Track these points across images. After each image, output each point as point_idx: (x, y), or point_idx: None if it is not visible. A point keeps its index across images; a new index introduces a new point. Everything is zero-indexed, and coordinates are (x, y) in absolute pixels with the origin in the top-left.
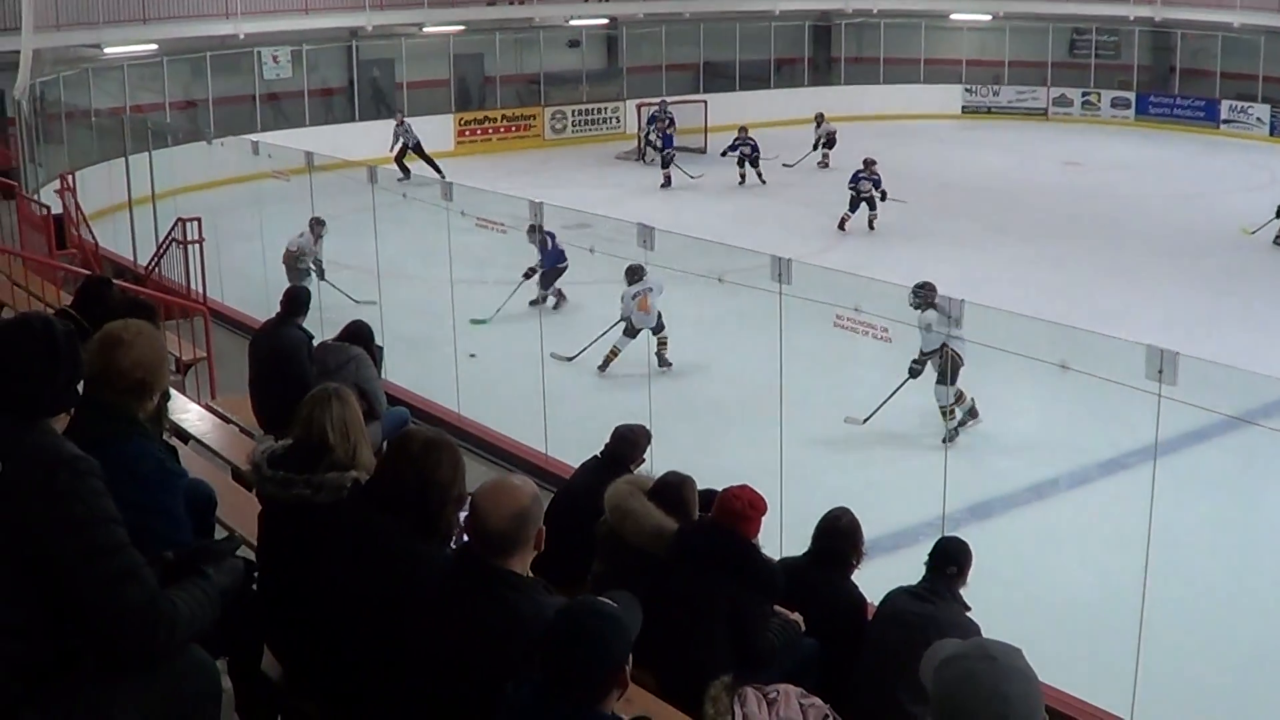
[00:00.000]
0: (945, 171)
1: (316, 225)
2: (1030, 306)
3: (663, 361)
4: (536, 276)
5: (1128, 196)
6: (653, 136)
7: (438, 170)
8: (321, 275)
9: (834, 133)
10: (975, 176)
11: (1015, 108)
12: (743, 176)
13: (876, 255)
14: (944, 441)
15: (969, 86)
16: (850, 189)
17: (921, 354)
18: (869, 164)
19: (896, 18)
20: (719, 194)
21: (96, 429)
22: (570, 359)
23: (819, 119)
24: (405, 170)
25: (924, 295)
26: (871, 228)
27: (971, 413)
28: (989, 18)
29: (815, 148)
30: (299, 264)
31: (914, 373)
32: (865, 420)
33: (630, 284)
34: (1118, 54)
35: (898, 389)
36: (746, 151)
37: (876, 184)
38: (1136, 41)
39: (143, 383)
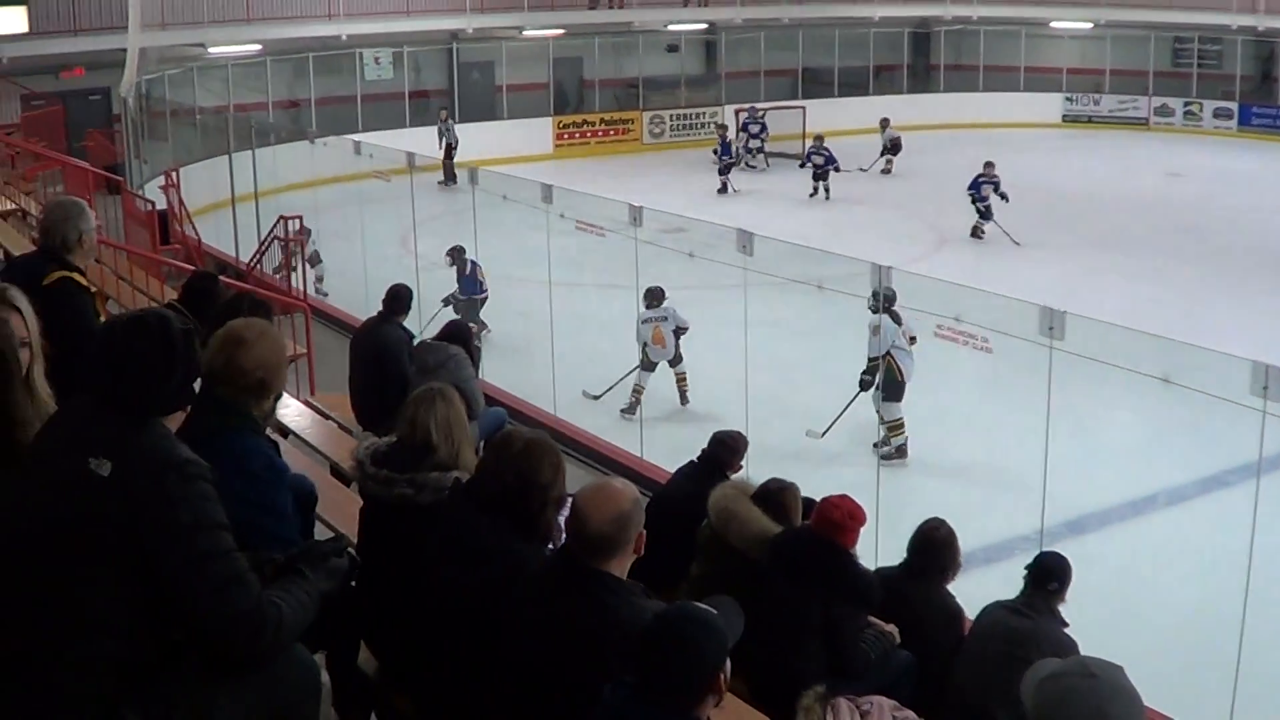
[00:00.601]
0: (1045, 181)
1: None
2: (1132, 319)
3: (683, 399)
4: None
5: (1230, 208)
6: (751, 144)
7: (453, 179)
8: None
9: (898, 139)
10: (1076, 186)
11: (1116, 117)
12: (814, 189)
13: (976, 264)
14: (875, 446)
15: (1069, 95)
16: (969, 192)
17: (869, 360)
18: (988, 166)
19: (996, 25)
20: (816, 200)
21: (211, 422)
22: (597, 397)
23: (884, 124)
24: (452, 174)
25: (885, 301)
26: (978, 235)
27: (900, 450)
28: (1090, 26)
29: (882, 154)
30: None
31: (864, 384)
32: (824, 434)
33: (646, 308)
34: (1220, 63)
35: (850, 402)
36: (819, 163)
37: (995, 186)
38: (1239, 51)
39: (263, 382)
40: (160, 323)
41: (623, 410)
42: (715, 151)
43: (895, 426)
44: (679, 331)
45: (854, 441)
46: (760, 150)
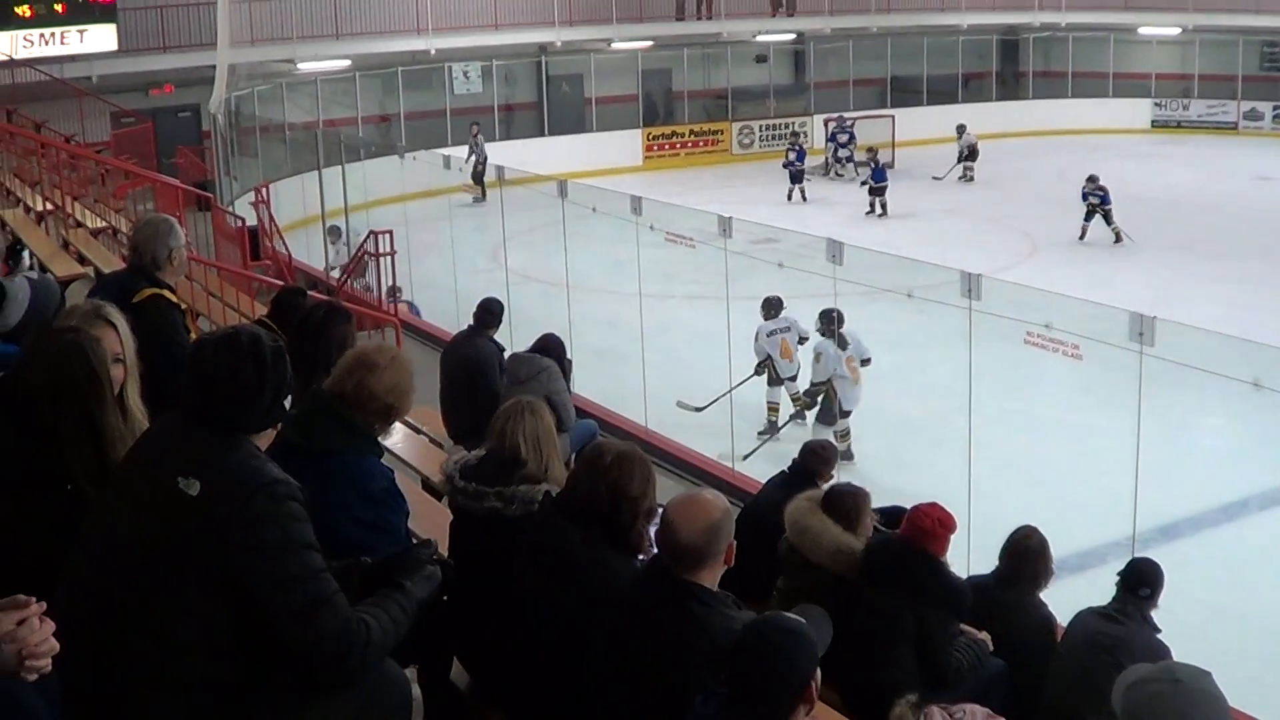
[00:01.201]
0: (1135, 186)
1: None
2: (1222, 323)
3: (798, 414)
4: None
5: None
6: (840, 153)
7: (483, 194)
8: None
9: (975, 145)
10: (1166, 191)
11: (1205, 122)
12: (870, 205)
13: (1067, 271)
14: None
15: (1158, 100)
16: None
17: (812, 384)
18: (1092, 180)
19: (1084, 31)
20: (906, 210)
21: (334, 440)
22: (699, 409)
23: (960, 130)
24: (482, 189)
25: (823, 323)
26: (1118, 239)
27: (847, 453)
28: (1178, 31)
29: (959, 160)
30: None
31: (807, 406)
32: (703, 409)
33: (766, 319)
34: None
35: (791, 419)
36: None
37: (1103, 199)
38: None
39: (391, 408)
40: (252, 341)
41: (760, 433)
42: (841, 160)
43: (843, 436)
44: (801, 341)
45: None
46: (850, 159)
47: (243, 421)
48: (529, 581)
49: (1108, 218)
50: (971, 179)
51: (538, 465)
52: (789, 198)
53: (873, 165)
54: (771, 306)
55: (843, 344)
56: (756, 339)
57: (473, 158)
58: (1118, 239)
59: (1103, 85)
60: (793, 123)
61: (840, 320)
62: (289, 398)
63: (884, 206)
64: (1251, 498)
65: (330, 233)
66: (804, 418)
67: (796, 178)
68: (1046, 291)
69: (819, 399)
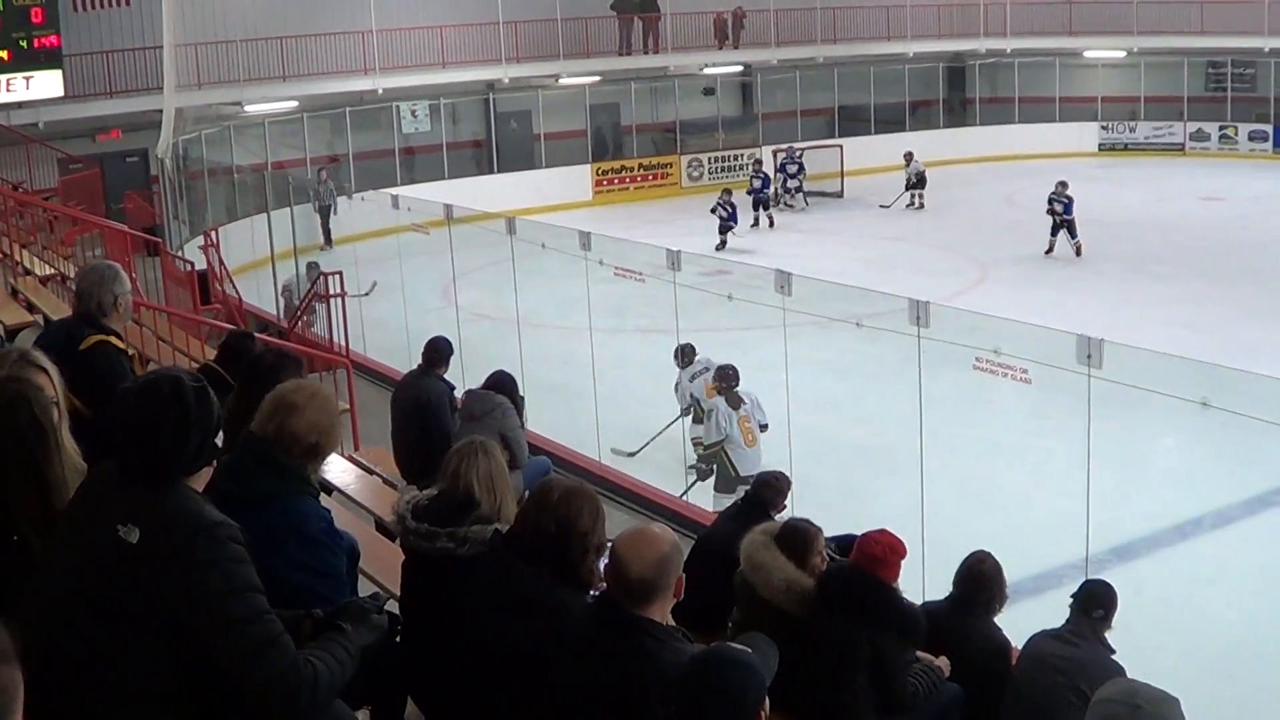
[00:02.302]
0: (1083, 209)
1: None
2: (1171, 344)
3: (696, 481)
4: None
5: (1269, 230)
6: (789, 184)
7: (328, 241)
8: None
9: (923, 173)
10: (1114, 213)
11: (1152, 143)
12: (755, 219)
13: (1016, 296)
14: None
15: (1105, 123)
16: (1048, 213)
17: (704, 447)
18: (1062, 185)
19: (1030, 56)
20: (855, 238)
21: (266, 486)
22: (631, 455)
23: (908, 158)
24: (326, 234)
25: (718, 380)
26: (1078, 253)
27: None
28: (1123, 54)
29: (907, 188)
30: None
31: (701, 474)
32: (635, 453)
33: (683, 367)
34: (1254, 86)
35: (687, 489)
36: (757, 186)
37: (1066, 208)
38: (1273, 73)
39: (316, 446)
40: (173, 386)
41: (692, 467)
42: (790, 190)
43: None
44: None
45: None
46: (799, 190)
47: (174, 466)
48: (480, 619)
49: (1071, 229)
50: (922, 206)
51: (491, 506)
52: (755, 224)
53: (762, 176)
54: (685, 354)
55: (734, 403)
56: (677, 388)
57: (318, 204)
58: (1078, 253)
59: (1049, 110)
60: (743, 154)
61: (735, 379)
62: (220, 435)
63: (770, 219)
64: (1204, 516)
65: (309, 269)
66: (705, 479)
67: (762, 204)
68: (995, 317)
69: (713, 464)
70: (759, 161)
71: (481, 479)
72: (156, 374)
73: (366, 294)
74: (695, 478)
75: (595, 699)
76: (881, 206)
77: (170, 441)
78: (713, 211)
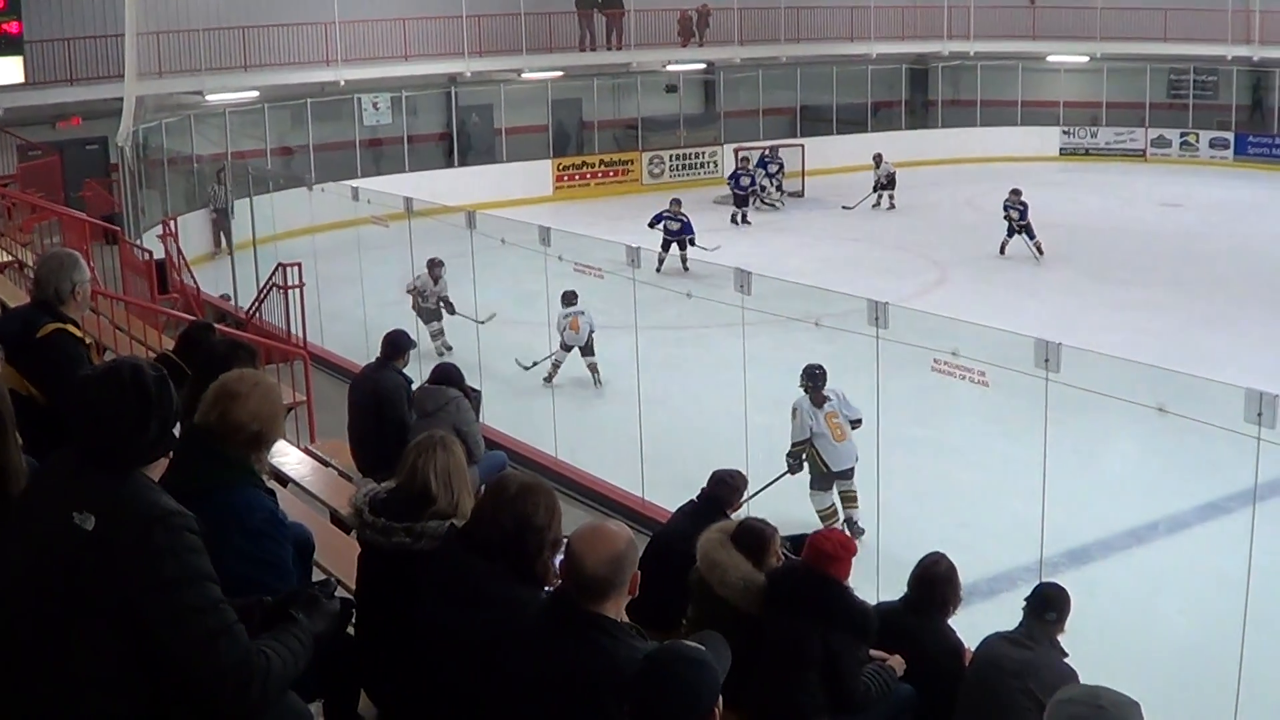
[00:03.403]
0: (1044, 214)
1: (435, 266)
2: (1130, 350)
3: (596, 380)
4: None
5: (1228, 238)
6: (765, 182)
7: (221, 246)
8: (451, 310)
9: (893, 174)
10: (1074, 219)
11: (1113, 149)
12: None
13: (976, 299)
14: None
15: (1066, 128)
16: (1005, 219)
17: (793, 444)
18: (1015, 193)
19: (993, 60)
20: (815, 238)
21: (209, 476)
22: (527, 368)
23: (878, 160)
24: (220, 239)
25: (805, 379)
26: (1040, 252)
27: (853, 525)
28: (1086, 59)
29: (875, 189)
30: (425, 302)
31: (791, 468)
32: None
33: (564, 308)
34: (1216, 94)
35: (774, 480)
36: (745, 185)
37: (1022, 214)
38: (1235, 81)
39: (259, 435)
40: (134, 373)
41: (545, 380)
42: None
43: (826, 515)
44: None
45: (854, 478)
46: (780, 188)
47: (132, 455)
48: (435, 614)
49: (1029, 232)
50: (893, 207)
51: (448, 502)
52: (734, 220)
53: (749, 174)
54: (567, 299)
55: (819, 401)
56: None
57: (213, 206)
58: (1040, 252)
59: (1011, 114)
60: (704, 152)
61: (822, 379)
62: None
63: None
64: (1158, 521)
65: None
66: (795, 473)
67: (742, 201)
68: (954, 319)
69: (802, 459)
70: (745, 159)
71: (439, 474)
72: (117, 361)
73: (483, 322)
74: (784, 471)
75: (549, 695)
76: (845, 208)
77: (129, 429)
78: (652, 225)
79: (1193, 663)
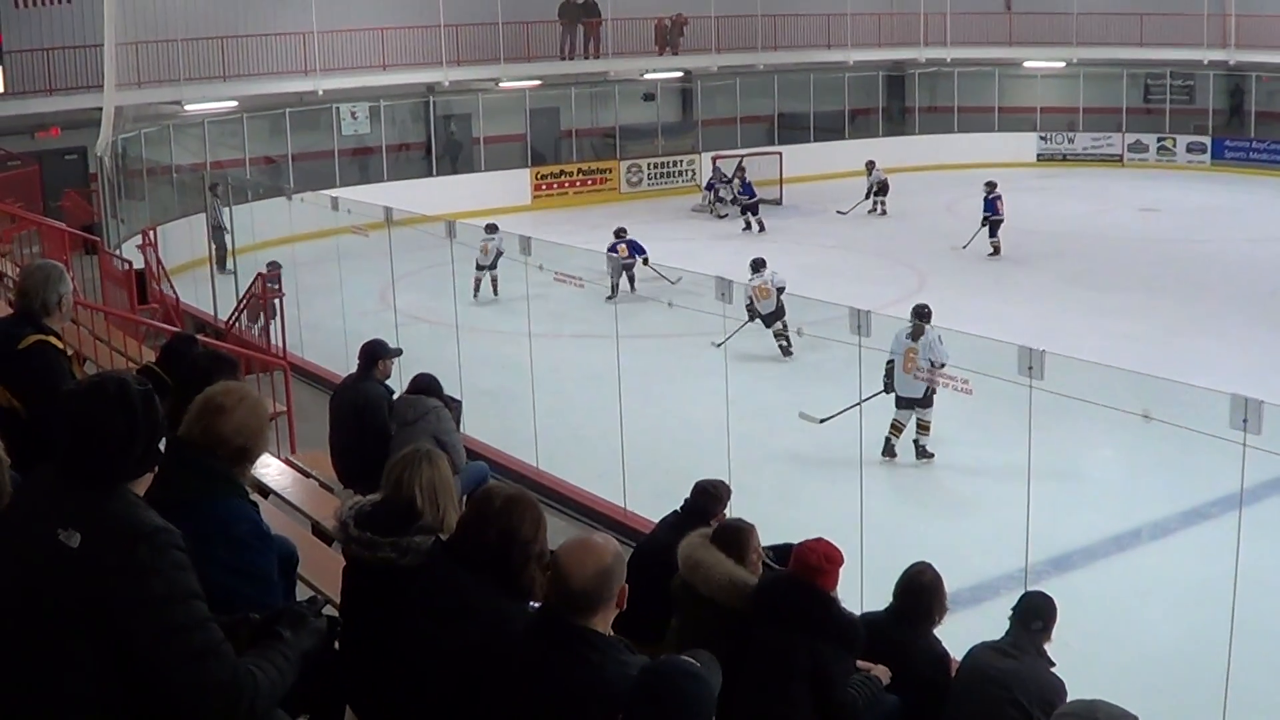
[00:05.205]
0: (1022, 220)
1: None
2: (1111, 355)
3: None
4: None
5: (1206, 241)
6: (724, 192)
7: (222, 266)
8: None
9: (886, 180)
10: (1052, 224)
11: (1090, 154)
12: (746, 223)
13: (956, 305)
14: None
15: (1044, 134)
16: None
17: (886, 365)
18: (990, 185)
19: (970, 66)
20: (794, 245)
21: (193, 489)
22: (821, 421)
23: (870, 166)
24: (217, 256)
25: (912, 315)
26: (994, 252)
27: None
28: (1062, 65)
29: (868, 195)
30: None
31: (886, 386)
32: (823, 420)
33: (752, 274)
34: (1192, 98)
35: (870, 397)
36: (740, 196)
37: (987, 204)
38: (1211, 85)
39: (244, 449)
40: (119, 388)
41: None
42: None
43: (893, 429)
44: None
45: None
46: (733, 201)
47: (118, 470)
48: (420, 628)
49: (992, 229)
50: (885, 213)
51: (434, 517)
52: (746, 228)
53: (741, 181)
54: (757, 265)
55: (916, 335)
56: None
57: (210, 223)
58: (994, 252)
59: (988, 120)
60: (682, 160)
61: (928, 316)
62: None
63: (760, 223)
64: (1143, 528)
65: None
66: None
67: (750, 210)
68: (937, 327)
69: (890, 380)
70: (742, 169)
71: (425, 488)
72: (102, 376)
73: (675, 283)
74: (878, 390)
75: (537, 710)
76: (839, 213)
77: (116, 445)
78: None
79: (1177, 671)
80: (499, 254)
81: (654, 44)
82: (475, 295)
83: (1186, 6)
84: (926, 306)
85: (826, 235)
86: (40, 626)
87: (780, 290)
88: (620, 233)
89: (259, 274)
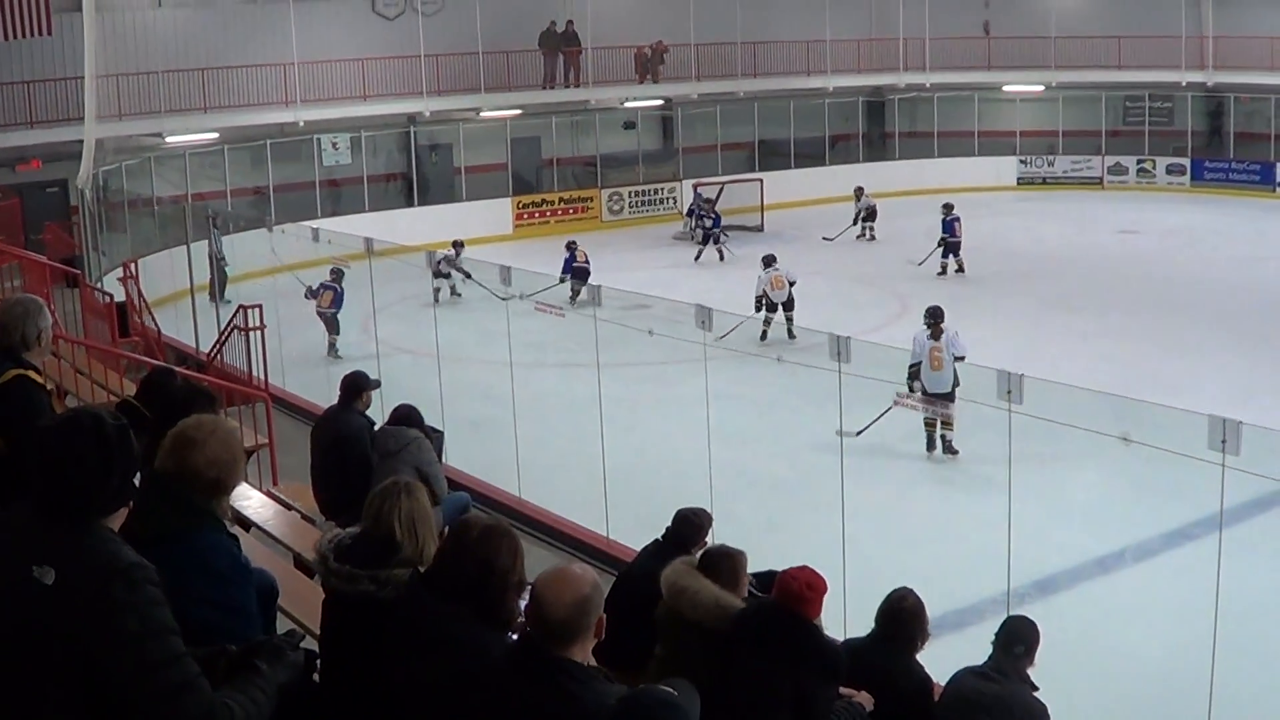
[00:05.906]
0: (1002, 243)
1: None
2: (1091, 378)
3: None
4: None
5: (1186, 263)
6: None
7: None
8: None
9: (874, 206)
10: (1032, 248)
11: (1070, 177)
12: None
13: None
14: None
15: (1023, 158)
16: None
17: (910, 366)
18: (947, 207)
19: (949, 91)
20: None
21: (170, 523)
22: (857, 434)
23: (858, 193)
24: (215, 288)
25: (927, 317)
26: (943, 272)
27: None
28: (1041, 88)
29: (855, 221)
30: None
31: (911, 388)
32: (859, 433)
33: (765, 269)
34: (1171, 120)
35: (883, 413)
36: (707, 225)
37: (945, 226)
38: (1190, 107)
39: (218, 481)
40: (94, 423)
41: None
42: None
43: (927, 424)
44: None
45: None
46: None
47: (93, 506)
48: (399, 660)
49: (952, 250)
50: (873, 238)
51: (413, 549)
52: (721, 258)
53: (712, 215)
54: (768, 261)
55: (936, 335)
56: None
57: (211, 252)
58: (943, 271)
59: (968, 144)
60: (663, 188)
61: (941, 317)
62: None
63: (721, 252)
64: (1125, 550)
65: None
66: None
67: (713, 239)
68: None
69: (915, 379)
70: (710, 200)
71: (404, 521)
72: (77, 411)
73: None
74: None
75: None
76: (825, 239)
77: (90, 480)
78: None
79: (1160, 693)
80: (446, 260)
81: (634, 72)
82: (436, 302)
83: (1164, 29)
84: (938, 308)
85: (807, 261)
86: (15, 663)
87: (792, 284)
88: (709, 203)
89: (240, 306)
